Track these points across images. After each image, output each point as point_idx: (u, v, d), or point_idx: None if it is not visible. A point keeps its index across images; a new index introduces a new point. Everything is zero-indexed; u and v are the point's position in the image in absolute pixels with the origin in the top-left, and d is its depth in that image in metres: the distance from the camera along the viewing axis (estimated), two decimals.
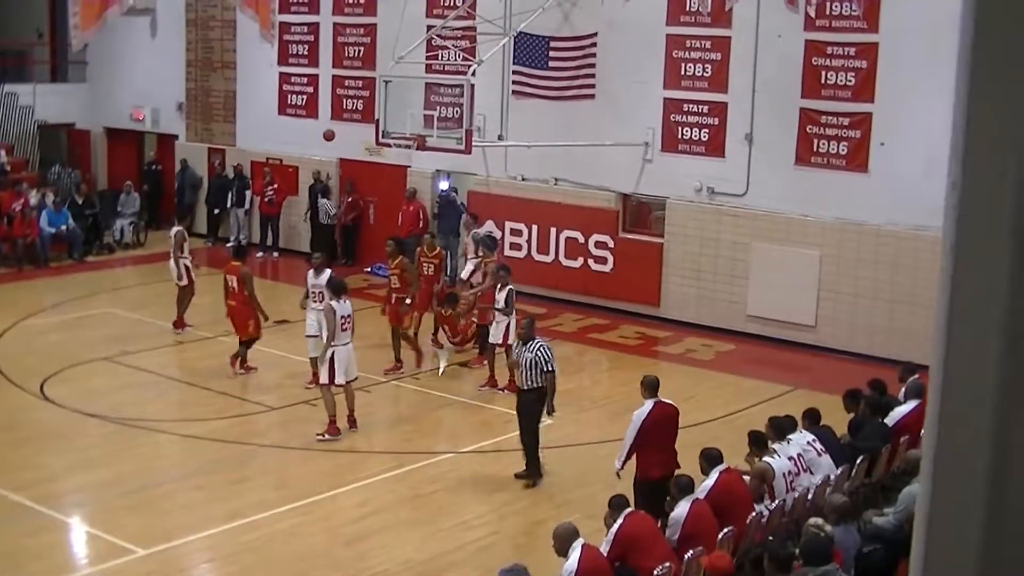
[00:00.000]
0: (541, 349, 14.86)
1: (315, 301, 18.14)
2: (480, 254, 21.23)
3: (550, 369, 14.81)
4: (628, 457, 13.22)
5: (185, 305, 21.67)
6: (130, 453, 15.92)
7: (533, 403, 14.91)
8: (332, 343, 16.30)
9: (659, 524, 11.43)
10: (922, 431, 13.60)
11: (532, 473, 15.04)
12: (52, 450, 15.83)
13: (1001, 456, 2.06)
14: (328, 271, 18.38)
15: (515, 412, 15.30)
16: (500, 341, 18.68)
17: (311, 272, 18.66)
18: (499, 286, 18.83)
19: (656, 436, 13.10)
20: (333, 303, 16.50)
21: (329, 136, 24.38)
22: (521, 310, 23.40)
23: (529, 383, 14.87)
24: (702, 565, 10.39)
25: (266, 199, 28.46)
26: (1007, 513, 2.09)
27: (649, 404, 13.22)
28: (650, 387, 13.38)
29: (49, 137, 32.33)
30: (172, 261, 21.66)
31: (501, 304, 18.68)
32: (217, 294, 20.11)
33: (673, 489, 11.74)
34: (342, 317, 16.35)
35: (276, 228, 28.69)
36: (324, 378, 16.46)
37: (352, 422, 16.78)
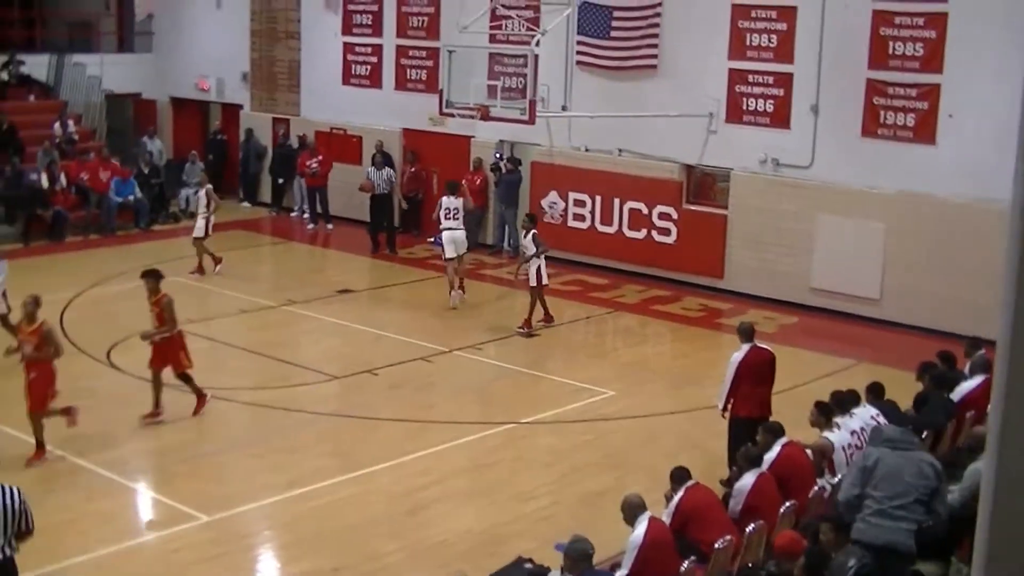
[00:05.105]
0: None
1: None
2: (211, 208, 23.73)
3: None
4: (728, 398, 14.07)
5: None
6: (193, 420, 16.03)
7: None
8: None
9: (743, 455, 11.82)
10: (988, 407, 13.42)
11: None
12: (117, 416, 15.96)
13: None
14: None
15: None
16: (535, 283, 20.28)
17: None
18: (525, 231, 20.71)
19: (747, 379, 13.99)
20: None
21: (367, 187, 26.04)
22: (582, 280, 23.53)
23: None
24: (774, 546, 10.29)
25: (310, 172, 28.42)
26: None
27: (745, 348, 14.16)
28: (745, 332, 14.37)
29: (115, 107, 32.57)
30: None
31: (531, 247, 20.25)
32: (276, 263, 19.97)
33: (740, 460, 11.73)
34: None
35: (324, 198, 28.61)
36: None
37: None
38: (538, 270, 20.20)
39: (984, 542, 2.01)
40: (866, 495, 9.84)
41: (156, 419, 15.87)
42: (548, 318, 20.68)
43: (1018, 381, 1.91)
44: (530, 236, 20.36)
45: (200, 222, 23.78)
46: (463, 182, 24.70)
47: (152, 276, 16.28)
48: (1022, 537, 1.97)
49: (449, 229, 22.01)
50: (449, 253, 22.03)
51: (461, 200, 22.46)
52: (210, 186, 24.52)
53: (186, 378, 16.15)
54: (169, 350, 16.01)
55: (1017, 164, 1.92)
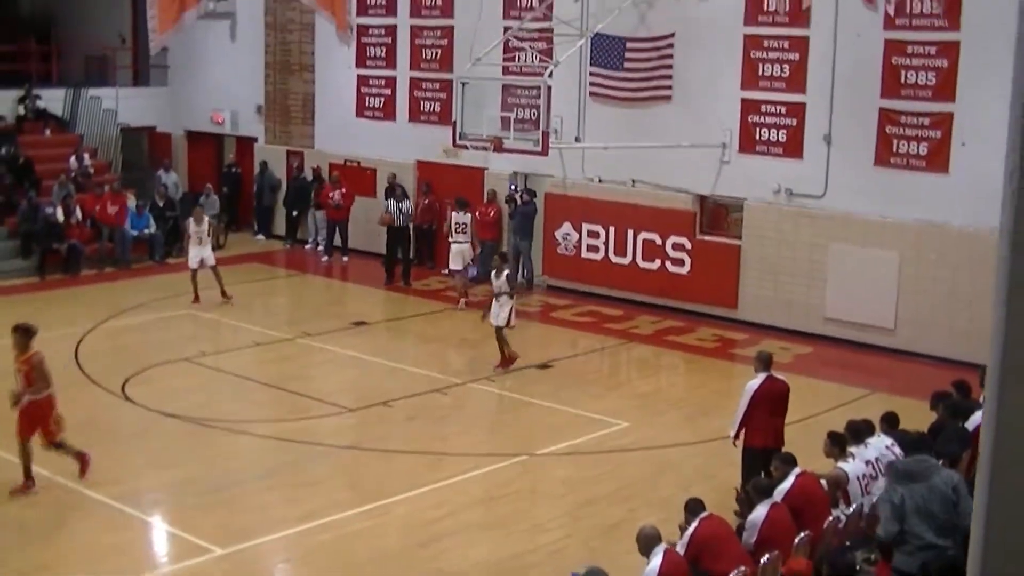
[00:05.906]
0: None
1: None
2: (218, 239, 25.12)
3: None
4: (740, 427, 14.01)
5: None
6: (207, 453, 16.06)
7: None
8: None
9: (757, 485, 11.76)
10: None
11: None
12: (131, 449, 16.00)
13: None
14: None
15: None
16: (504, 323, 19.65)
17: None
18: (495, 271, 19.95)
19: (762, 408, 13.91)
20: None
21: (387, 220, 26.22)
22: (596, 311, 23.54)
23: None
24: (780, 570, 10.28)
25: (333, 204, 28.47)
26: None
27: (761, 377, 14.06)
28: (763, 361, 14.25)
29: (131, 140, 32.73)
30: None
31: (506, 288, 19.62)
32: (290, 295, 19.92)
33: (751, 491, 11.68)
34: None
35: (345, 231, 28.70)
36: None
37: None
38: (511, 311, 19.68)
39: (978, 560, 2.01)
40: (906, 530, 10.05)
41: (28, 491, 14.24)
42: (506, 362, 19.95)
43: (1009, 401, 1.92)
44: (504, 276, 19.75)
45: (205, 251, 23.83)
46: (477, 214, 24.90)
47: (23, 332, 14.28)
48: (1017, 556, 1.97)
49: (456, 243, 23.65)
50: (454, 265, 23.51)
51: (469, 216, 24.25)
52: (207, 217, 24.78)
53: (60, 446, 14.50)
54: (37, 415, 14.23)
55: (1005, 185, 1.93)
